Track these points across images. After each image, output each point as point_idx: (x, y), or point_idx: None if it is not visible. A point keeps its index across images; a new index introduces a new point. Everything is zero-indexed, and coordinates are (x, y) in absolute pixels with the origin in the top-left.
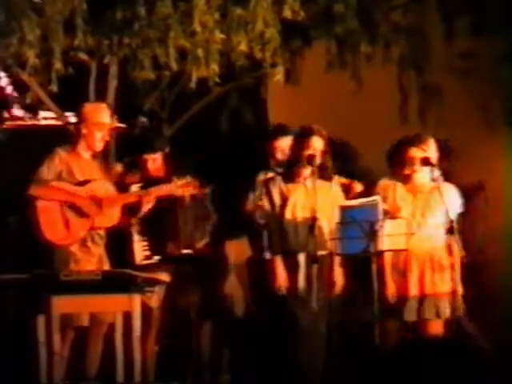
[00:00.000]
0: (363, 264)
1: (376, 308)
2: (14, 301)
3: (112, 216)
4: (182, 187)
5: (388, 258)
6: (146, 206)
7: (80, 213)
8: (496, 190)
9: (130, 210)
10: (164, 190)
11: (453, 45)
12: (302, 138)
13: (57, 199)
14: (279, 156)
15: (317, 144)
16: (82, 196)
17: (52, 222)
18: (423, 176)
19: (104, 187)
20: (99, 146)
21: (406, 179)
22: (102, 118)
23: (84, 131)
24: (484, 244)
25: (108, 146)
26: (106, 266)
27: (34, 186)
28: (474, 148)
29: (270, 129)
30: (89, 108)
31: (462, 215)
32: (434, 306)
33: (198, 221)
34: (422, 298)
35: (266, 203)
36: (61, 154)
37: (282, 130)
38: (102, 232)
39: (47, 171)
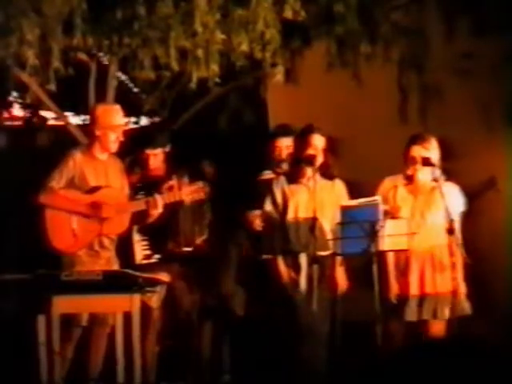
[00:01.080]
0: (365, 264)
1: (378, 308)
2: (15, 300)
3: (121, 223)
4: (192, 193)
5: (390, 257)
6: (155, 214)
7: (87, 221)
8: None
9: (136, 217)
10: (174, 197)
11: (453, 45)
12: (302, 137)
13: (64, 209)
14: (278, 156)
15: (317, 142)
16: (87, 204)
17: (59, 230)
18: (425, 176)
19: (114, 194)
20: (114, 147)
21: (408, 179)
22: (114, 120)
23: (97, 133)
24: (491, 243)
25: (122, 146)
26: (115, 268)
27: (44, 193)
28: (474, 148)
29: (270, 129)
30: (101, 110)
31: (466, 214)
32: (435, 306)
33: (197, 217)
34: (422, 298)
35: (268, 203)
36: (75, 158)
37: (282, 131)
38: (112, 235)
39: (59, 178)
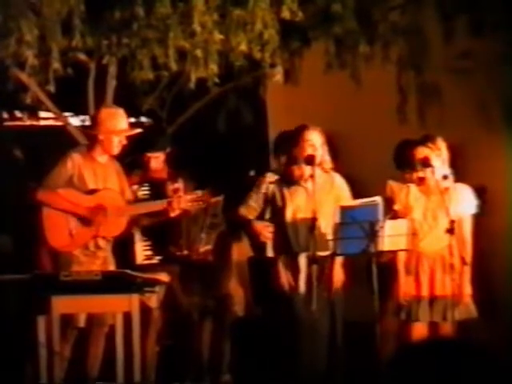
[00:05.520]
0: (369, 264)
1: (377, 308)
2: (15, 301)
3: (118, 225)
4: (192, 201)
5: (401, 258)
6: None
7: (84, 221)
8: (497, 190)
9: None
10: (173, 205)
11: (452, 45)
12: (297, 136)
13: (61, 208)
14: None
15: (314, 138)
16: (86, 207)
17: (56, 229)
18: (435, 176)
19: (112, 196)
20: (116, 150)
21: (419, 181)
22: (119, 124)
23: (100, 137)
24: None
25: (124, 148)
26: (111, 268)
27: (42, 191)
28: (474, 148)
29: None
30: (105, 113)
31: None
32: (444, 308)
33: (208, 227)
34: (432, 300)
35: (268, 213)
36: (74, 158)
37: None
38: (109, 237)
39: (57, 177)
